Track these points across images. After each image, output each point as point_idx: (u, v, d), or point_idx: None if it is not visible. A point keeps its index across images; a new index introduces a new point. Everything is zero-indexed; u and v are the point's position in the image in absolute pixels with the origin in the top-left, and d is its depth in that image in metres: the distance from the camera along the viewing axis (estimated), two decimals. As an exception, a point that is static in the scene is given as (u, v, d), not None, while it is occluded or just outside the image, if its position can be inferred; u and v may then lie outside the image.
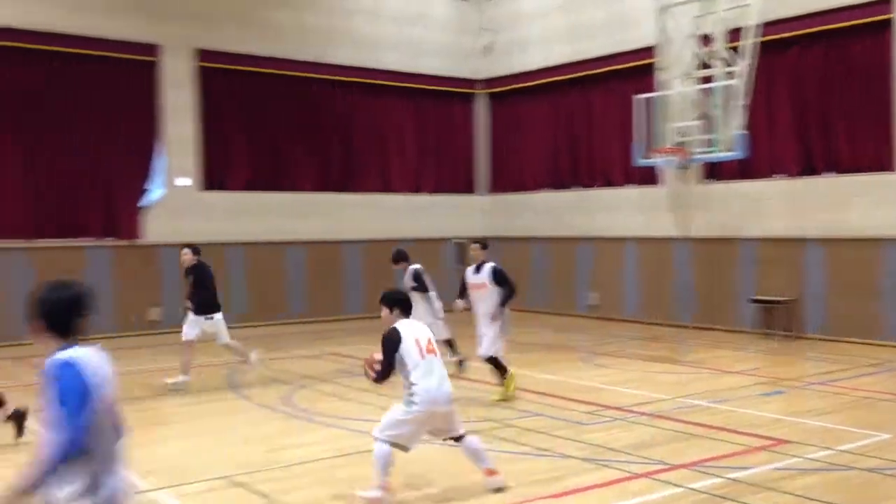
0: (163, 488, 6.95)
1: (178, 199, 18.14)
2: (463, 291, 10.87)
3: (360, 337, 15.76)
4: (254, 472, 7.38)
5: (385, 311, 6.72)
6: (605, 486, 6.88)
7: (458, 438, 6.69)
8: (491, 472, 6.70)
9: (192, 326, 11.46)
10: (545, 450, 8.00)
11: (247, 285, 18.58)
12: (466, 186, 22.91)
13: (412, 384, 6.39)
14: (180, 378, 11.36)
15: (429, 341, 6.54)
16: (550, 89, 20.84)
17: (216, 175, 18.89)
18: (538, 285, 20.60)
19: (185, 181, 18.36)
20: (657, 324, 17.56)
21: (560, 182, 20.87)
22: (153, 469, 7.41)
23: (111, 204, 17.59)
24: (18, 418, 8.43)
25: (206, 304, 11.44)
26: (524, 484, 6.87)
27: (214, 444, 8.56)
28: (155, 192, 18.01)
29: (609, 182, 19.66)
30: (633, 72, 18.23)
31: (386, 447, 6.36)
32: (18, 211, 16.60)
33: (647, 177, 18.15)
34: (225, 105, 18.94)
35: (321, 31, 20.18)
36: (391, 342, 6.47)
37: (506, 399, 10.17)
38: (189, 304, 11.55)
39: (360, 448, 7.72)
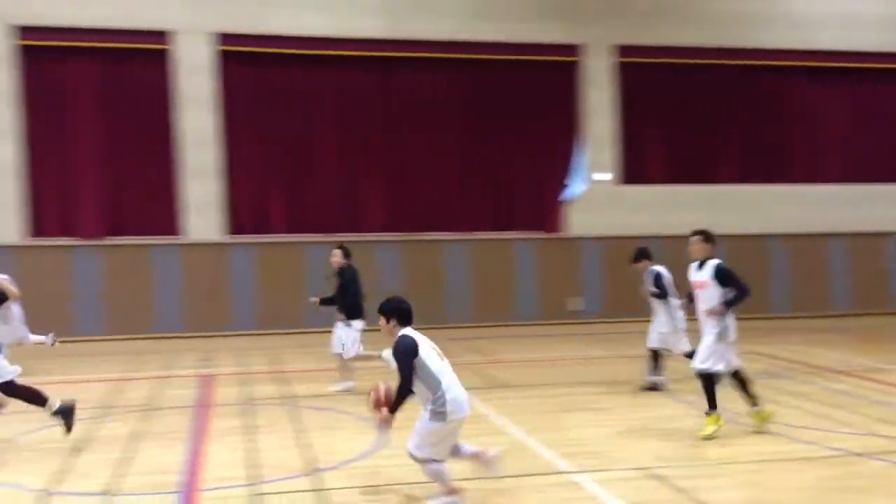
0: (583, 472, 7.10)
1: (597, 193, 18.60)
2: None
3: (781, 336, 14.73)
4: (674, 466, 7.22)
5: (382, 321, 6.16)
6: None
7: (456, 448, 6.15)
8: (482, 455, 6.18)
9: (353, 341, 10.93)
10: None
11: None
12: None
13: (442, 393, 5.88)
14: (344, 385, 10.98)
15: (438, 349, 6.13)
16: None
17: (635, 169, 19.03)
18: None
19: (604, 176, 18.76)
20: None
21: None
22: (572, 452, 7.62)
23: (537, 199, 18.61)
24: (66, 413, 8.15)
25: (349, 308, 10.97)
26: None
27: (633, 434, 8.56)
28: (576, 187, 18.65)
29: None
30: None
31: (434, 465, 5.97)
32: (456, 206, 18.27)
33: None
34: (642, 99, 19.00)
35: (747, 14, 19.29)
36: (408, 349, 5.91)
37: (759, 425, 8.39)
38: (318, 304, 11.35)
39: (786, 455, 7.17)
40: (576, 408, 9.87)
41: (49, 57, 16.54)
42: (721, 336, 8.16)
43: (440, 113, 18.24)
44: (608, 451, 7.78)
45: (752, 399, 8.42)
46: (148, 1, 16.83)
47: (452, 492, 6.04)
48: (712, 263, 8.29)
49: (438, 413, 5.87)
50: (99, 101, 16.88)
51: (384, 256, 17.84)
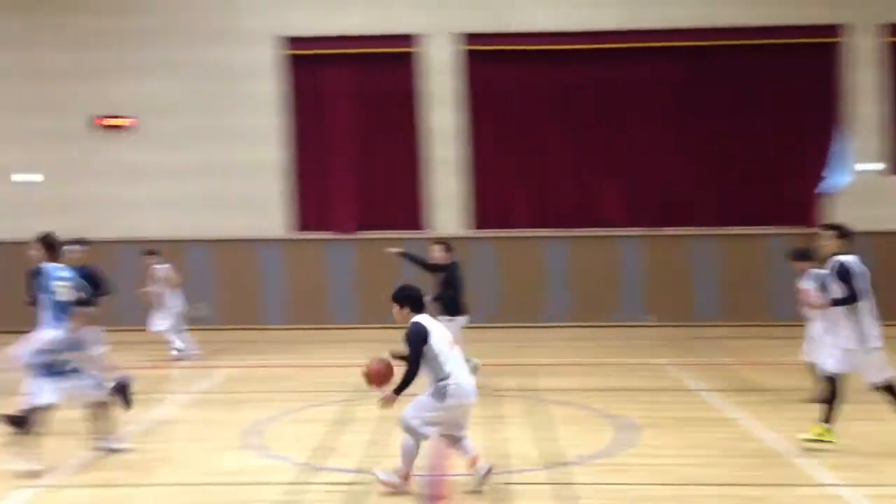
0: (848, 485, 6.53)
1: (865, 185, 17.14)
2: None
3: None
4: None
5: (396, 308, 6.49)
6: None
7: (458, 439, 6.42)
8: (475, 460, 6.37)
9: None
10: None
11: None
12: None
13: (446, 376, 6.21)
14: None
15: (449, 336, 6.44)
16: None
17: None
18: None
19: (872, 166, 17.30)
20: None
21: None
22: (837, 464, 7.04)
23: (794, 192, 17.43)
24: (122, 390, 8.10)
25: (451, 304, 10.76)
26: None
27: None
28: (839, 178, 17.29)
29: None
30: None
31: (412, 441, 6.27)
32: (703, 199, 17.53)
33: None
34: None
35: None
36: (419, 335, 6.23)
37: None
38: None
39: None
40: (847, 417, 9.11)
41: (310, 65, 17.77)
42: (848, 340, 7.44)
43: (683, 103, 17.57)
44: (875, 465, 7.11)
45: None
46: (397, 8, 17.61)
47: (405, 476, 6.37)
48: (837, 261, 7.55)
49: (440, 393, 6.23)
50: (352, 104, 17.90)
51: (625, 251, 17.52)
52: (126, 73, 17.27)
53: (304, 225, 17.98)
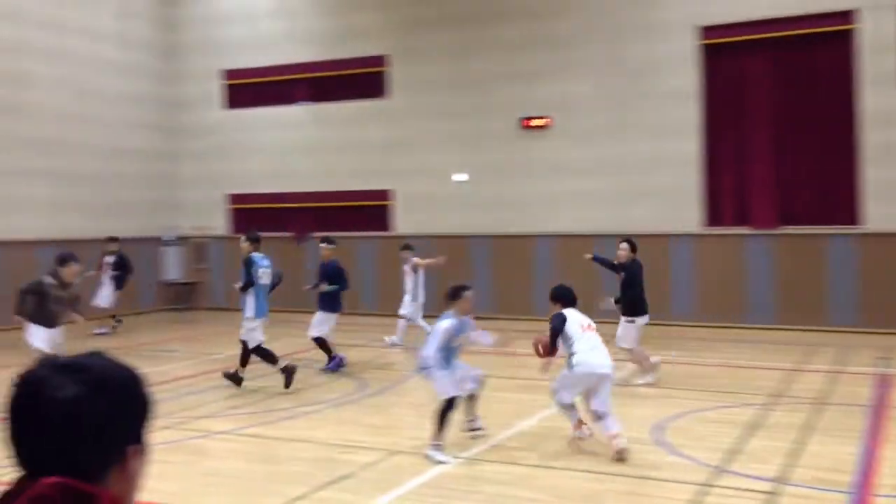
0: None
1: None
2: None
3: None
4: None
5: (551, 304, 8.32)
6: None
7: (601, 416, 7.70)
8: (613, 436, 7.55)
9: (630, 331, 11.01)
10: None
11: None
12: None
13: (573, 353, 7.87)
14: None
15: (589, 324, 8.08)
16: None
17: None
18: None
19: None
20: None
21: None
22: None
23: None
24: (289, 372, 10.58)
25: (632, 304, 10.97)
26: None
27: None
28: None
29: None
30: None
31: (561, 403, 8.04)
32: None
33: None
34: None
35: None
36: (558, 322, 8.02)
37: None
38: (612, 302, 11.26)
39: None
40: None
41: (725, 53, 17.08)
42: None
43: None
44: None
45: None
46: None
47: (577, 426, 8.02)
48: None
49: (569, 364, 7.93)
50: (770, 92, 16.84)
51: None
52: (545, 75, 18.12)
53: (719, 219, 17.36)
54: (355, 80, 19.67)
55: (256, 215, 20.57)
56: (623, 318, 11.04)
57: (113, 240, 17.01)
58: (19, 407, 1.49)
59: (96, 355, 1.59)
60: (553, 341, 7.96)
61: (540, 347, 8.08)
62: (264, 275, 11.06)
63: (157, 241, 20.97)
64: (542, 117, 18.17)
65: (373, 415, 9.57)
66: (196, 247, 21.14)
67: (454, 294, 8.16)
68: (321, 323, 12.29)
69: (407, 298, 14.65)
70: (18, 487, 1.44)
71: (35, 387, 1.48)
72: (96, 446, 1.49)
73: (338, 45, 19.74)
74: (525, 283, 18.04)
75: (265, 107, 20.57)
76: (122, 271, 17.15)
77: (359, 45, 19.52)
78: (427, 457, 7.59)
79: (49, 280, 10.35)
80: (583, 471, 7.22)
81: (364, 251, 19.22)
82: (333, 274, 12.46)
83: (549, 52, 18.06)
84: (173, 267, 21.19)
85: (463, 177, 18.78)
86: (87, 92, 19.15)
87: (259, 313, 10.93)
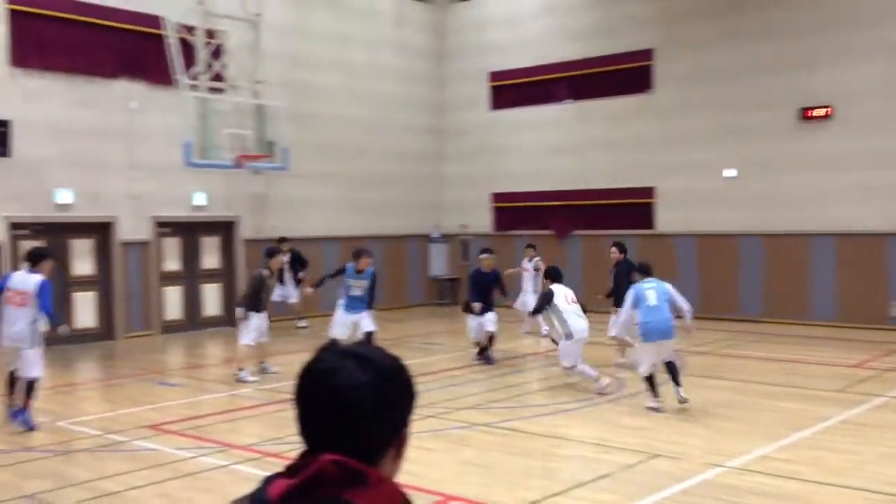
0: None
1: None
2: None
3: None
4: None
5: (547, 281, 11.11)
6: None
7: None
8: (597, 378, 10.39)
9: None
10: None
11: None
12: None
13: (564, 323, 10.45)
14: None
15: (573, 298, 10.72)
16: None
17: None
18: None
19: None
20: None
21: None
22: None
23: None
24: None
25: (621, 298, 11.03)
26: None
27: None
28: None
29: None
30: None
31: (575, 370, 10.52)
32: None
33: None
34: None
35: None
36: (547, 295, 10.70)
37: None
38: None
39: None
40: None
41: None
42: None
43: None
44: None
45: None
46: None
47: (597, 378, 10.34)
48: None
49: (566, 335, 10.39)
50: None
51: None
52: (823, 61, 16.78)
53: None
54: (620, 76, 19.41)
55: (518, 214, 21.00)
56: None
57: (284, 240, 16.70)
58: (312, 390, 1.64)
59: (371, 346, 1.73)
60: (538, 310, 11.01)
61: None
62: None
63: (424, 239, 22.03)
64: (823, 107, 16.84)
65: (632, 415, 9.44)
66: (460, 244, 21.93)
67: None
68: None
69: (529, 298, 14.52)
70: (301, 461, 1.60)
71: (327, 374, 1.62)
72: (377, 429, 1.62)
73: (603, 41, 19.58)
74: (799, 284, 16.91)
75: (528, 107, 20.90)
76: (298, 268, 17.08)
77: (625, 39, 19.24)
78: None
79: (266, 272, 11.81)
80: (858, 489, 6.65)
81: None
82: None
83: (828, 36, 16.71)
84: (439, 263, 22.15)
85: (732, 172, 17.92)
86: (366, 99, 20.51)
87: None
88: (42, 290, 8.98)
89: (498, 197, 21.50)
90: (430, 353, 13.98)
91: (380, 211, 20.66)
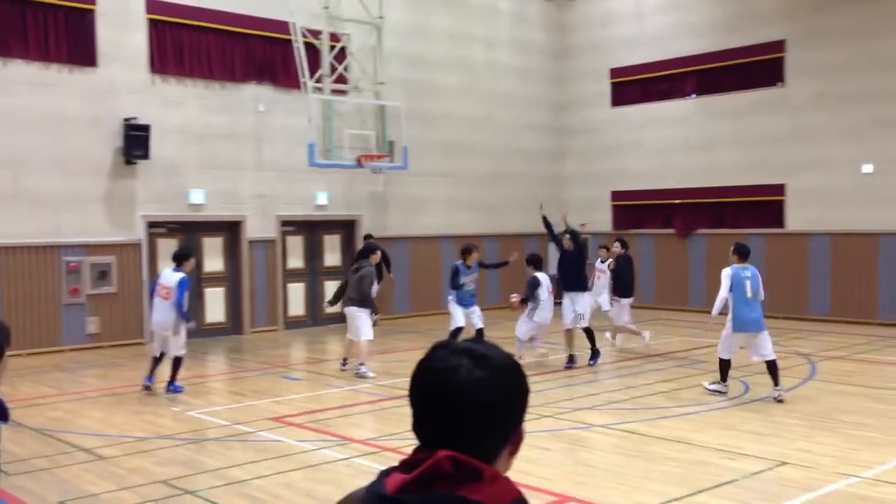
0: None
1: None
2: None
3: None
4: None
5: (530, 268, 12.21)
6: None
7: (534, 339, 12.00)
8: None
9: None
10: None
11: None
12: None
13: (540, 301, 11.97)
14: None
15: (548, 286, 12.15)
16: None
17: None
18: None
19: None
20: None
21: None
22: None
23: None
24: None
25: (623, 287, 14.00)
26: None
27: None
28: None
29: None
30: None
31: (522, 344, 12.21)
32: None
33: None
34: None
35: None
36: (534, 282, 12.02)
37: None
38: None
39: None
40: None
41: None
42: None
43: None
44: None
45: None
46: None
47: (521, 357, 11.48)
48: None
49: (530, 316, 12.19)
50: None
51: None
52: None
53: None
54: (749, 70, 18.74)
55: (638, 212, 20.59)
56: (621, 299, 14.01)
57: (368, 237, 16.45)
58: (429, 388, 1.63)
59: (486, 343, 1.71)
60: (528, 296, 12.10)
61: (514, 303, 12.43)
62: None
63: (543, 238, 21.86)
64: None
65: (758, 421, 9.10)
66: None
67: None
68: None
69: (604, 298, 14.29)
70: (416, 457, 1.61)
71: (444, 372, 1.62)
72: (495, 426, 1.61)
73: (731, 34, 18.95)
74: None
75: (650, 103, 20.45)
76: (379, 265, 15.90)
77: (754, 31, 18.55)
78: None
79: (370, 268, 12.31)
80: None
81: (753, 249, 18.23)
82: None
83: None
84: (555, 262, 21.90)
85: (868, 168, 17.01)
86: (485, 97, 20.55)
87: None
88: (179, 286, 10.52)
89: (617, 195, 21.13)
90: (549, 351, 13.87)
91: (498, 209, 20.66)
